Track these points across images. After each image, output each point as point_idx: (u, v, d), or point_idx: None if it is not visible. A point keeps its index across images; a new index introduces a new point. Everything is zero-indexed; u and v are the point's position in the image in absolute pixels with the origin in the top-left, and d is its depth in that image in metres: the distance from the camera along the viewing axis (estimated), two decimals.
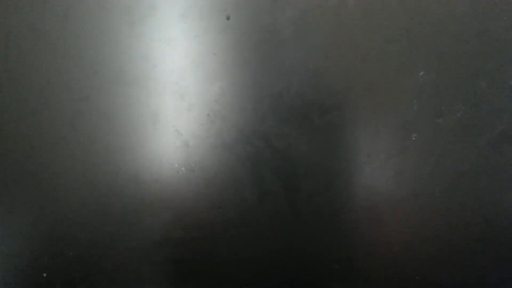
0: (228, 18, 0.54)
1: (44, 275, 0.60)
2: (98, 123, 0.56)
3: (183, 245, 0.59)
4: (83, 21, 0.55)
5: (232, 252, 0.59)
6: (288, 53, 0.55)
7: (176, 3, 0.55)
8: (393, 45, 0.54)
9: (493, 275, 0.59)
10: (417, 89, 0.55)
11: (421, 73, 0.55)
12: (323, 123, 0.56)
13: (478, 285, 0.60)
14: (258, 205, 0.58)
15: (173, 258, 0.59)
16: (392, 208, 0.58)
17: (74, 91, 0.56)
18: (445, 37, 0.54)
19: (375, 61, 0.55)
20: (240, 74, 0.55)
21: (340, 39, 0.55)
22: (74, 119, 0.56)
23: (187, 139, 0.57)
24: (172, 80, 0.56)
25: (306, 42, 0.55)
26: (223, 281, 0.60)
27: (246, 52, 0.55)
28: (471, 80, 0.55)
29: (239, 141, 0.57)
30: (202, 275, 0.60)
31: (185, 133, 0.56)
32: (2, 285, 0.60)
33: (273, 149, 0.57)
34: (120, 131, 0.56)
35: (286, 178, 0.57)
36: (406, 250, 0.59)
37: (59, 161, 0.57)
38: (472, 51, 0.54)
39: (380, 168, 0.57)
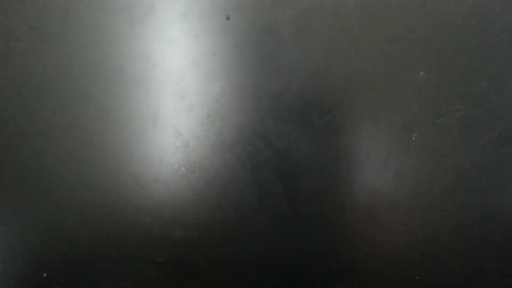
0: (228, 18, 0.54)
1: (44, 275, 0.60)
2: (98, 123, 0.56)
3: (183, 245, 0.59)
4: (83, 21, 0.55)
5: (232, 252, 0.59)
6: (288, 53, 0.55)
7: (176, 3, 0.55)
8: (393, 45, 0.54)
9: (493, 275, 0.59)
10: (417, 89, 0.55)
11: (421, 73, 0.55)
12: (323, 123, 0.56)
13: (478, 285, 0.60)
14: (258, 205, 0.58)
15: (173, 258, 0.59)
16: (392, 208, 0.58)
17: (74, 91, 0.56)
18: (445, 37, 0.54)
19: (375, 61, 0.55)
20: (240, 74, 0.55)
21: (340, 39, 0.55)
22: (74, 119, 0.56)
23: (187, 139, 0.57)
24: (172, 80, 0.56)
25: (306, 42, 0.55)
26: (223, 281, 0.60)
27: (246, 52, 0.55)
28: (471, 80, 0.55)
29: (239, 141, 0.57)
30: (202, 275, 0.60)
31: (185, 133, 0.56)
32: (2, 285, 0.60)
33: (273, 149, 0.57)
34: (120, 131, 0.56)
35: (286, 178, 0.57)
36: (406, 250, 0.59)
37: (59, 161, 0.57)
38: (472, 51, 0.54)
39: (380, 168, 0.57)
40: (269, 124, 0.56)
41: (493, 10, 0.54)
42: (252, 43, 0.55)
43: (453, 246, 0.59)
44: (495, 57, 0.54)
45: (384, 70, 0.55)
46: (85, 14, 0.55)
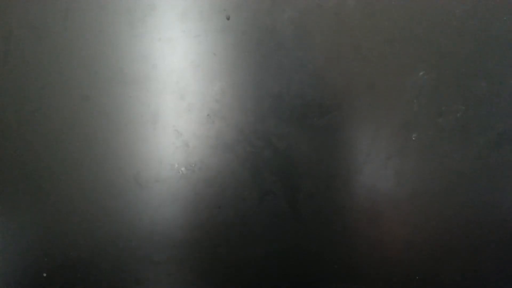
0: (228, 18, 0.54)
1: (44, 275, 0.60)
2: (98, 123, 0.56)
3: (183, 245, 0.59)
4: (83, 21, 0.55)
5: (232, 252, 0.59)
6: (288, 53, 0.55)
7: (176, 3, 0.55)
8: (393, 45, 0.54)
9: (493, 275, 0.59)
10: (417, 89, 0.55)
11: (421, 73, 0.55)
12: (323, 123, 0.56)
13: (478, 285, 0.60)
14: (258, 205, 0.58)
15: (173, 258, 0.59)
16: (392, 208, 0.58)
17: (74, 91, 0.56)
18: (445, 37, 0.54)
19: (375, 61, 0.55)
20: (240, 74, 0.55)
21: (340, 39, 0.55)
22: (74, 119, 0.56)
23: (187, 139, 0.57)
24: (172, 80, 0.56)
25: (306, 42, 0.55)
26: (223, 281, 0.60)
27: (246, 52, 0.55)
28: (471, 80, 0.55)
29: (239, 141, 0.57)
30: (202, 275, 0.60)
31: (185, 133, 0.56)
32: (2, 285, 0.60)
33: (273, 149, 0.57)
34: (120, 131, 0.56)
35: (286, 178, 0.57)
36: (406, 250, 0.59)
37: (59, 161, 0.57)
38: (472, 51, 0.54)
39: (380, 168, 0.57)
40: (269, 124, 0.56)
41: (493, 10, 0.54)
42: (252, 43, 0.55)
43: (453, 246, 0.58)
44: (495, 57, 0.54)
45: (384, 70, 0.55)
46: (85, 14, 0.55)
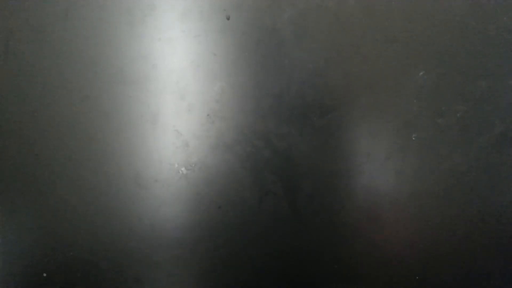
0: (228, 18, 0.54)
1: (44, 275, 0.60)
2: (98, 123, 0.56)
3: (183, 245, 0.59)
4: (83, 21, 0.55)
5: (232, 252, 0.59)
6: (288, 53, 0.55)
7: (176, 3, 0.55)
8: (393, 45, 0.54)
9: (493, 275, 0.59)
10: (417, 89, 0.55)
11: (421, 73, 0.55)
12: (323, 123, 0.56)
13: (478, 285, 0.60)
14: (258, 205, 0.58)
15: (173, 258, 0.59)
16: (392, 208, 0.58)
17: (74, 91, 0.56)
18: (445, 37, 0.54)
19: (375, 61, 0.55)
20: (240, 74, 0.55)
21: (340, 39, 0.55)
22: (74, 119, 0.56)
23: (187, 139, 0.57)
24: (172, 80, 0.56)
25: (306, 42, 0.55)
26: (223, 281, 0.60)
27: (246, 52, 0.55)
28: (471, 80, 0.55)
29: (239, 141, 0.57)
30: (202, 275, 0.60)
31: (185, 133, 0.56)
32: (2, 285, 0.60)
33: (273, 149, 0.57)
34: (120, 131, 0.56)
35: (286, 178, 0.57)
36: (406, 250, 0.59)
37: (59, 161, 0.57)
38: (472, 51, 0.54)
39: (380, 168, 0.57)
40: (269, 124, 0.56)
41: (493, 10, 0.54)
42: (252, 43, 0.55)
43: (453, 246, 0.58)
44: (495, 57, 0.54)
45: (384, 70, 0.55)
46: (85, 14, 0.55)
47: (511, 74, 0.54)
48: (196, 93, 0.56)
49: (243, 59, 0.55)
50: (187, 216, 0.58)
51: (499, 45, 0.54)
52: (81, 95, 0.56)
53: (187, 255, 0.59)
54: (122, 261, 0.59)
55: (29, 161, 0.57)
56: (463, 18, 0.54)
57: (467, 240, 0.58)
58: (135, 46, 0.55)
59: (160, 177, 0.57)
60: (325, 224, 0.58)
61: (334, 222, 0.58)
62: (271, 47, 0.55)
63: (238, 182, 0.57)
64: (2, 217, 0.59)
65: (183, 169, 0.57)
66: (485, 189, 0.57)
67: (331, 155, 0.57)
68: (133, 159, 0.57)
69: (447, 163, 0.56)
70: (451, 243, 0.58)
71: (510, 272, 0.59)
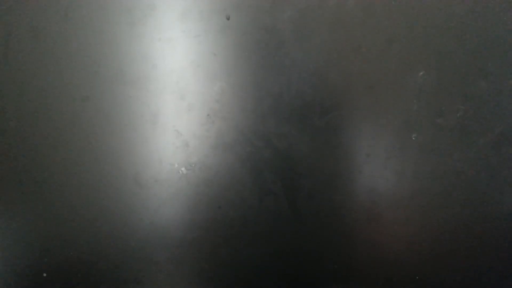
0: (228, 18, 0.54)
1: (44, 275, 0.60)
2: (98, 123, 0.56)
3: (183, 245, 0.59)
4: (83, 21, 0.55)
5: (232, 252, 0.59)
6: (288, 53, 0.55)
7: (176, 3, 0.55)
8: (393, 45, 0.54)
9: (493, 275, 0.59)
10: (417, 89, 0.55)
11: (421, 73, 0.55)
12: (323, 123, 0.56)
13: (478, 285, 0.60)
14: (258, 205, 0.58)
15: (173, 258, 0.59)
16: (392, 208, 0.58)
17: (74, 91, 0.56)
18: (445, 37, 0.54)
19: (375, 61, 0.55)
20: (240, 74, 0.55)
21: (340, 39, 0.55)
22: (74, 119, 0.56)
23: (187, 139, 0.57)
24: (172, 80, 0.56)
25: (306, 42, 0.55)
26: (223, 281, 0.60)
27: (246, 52, 0.55)
28: (471, 80, 0.55)
29: (239, 141, 0.57)
30: (202, 275, 0.60)
31: (185, 133, 0.56)
32: (2, 285, 0.60)
33: (273, 149, 0.57)
34: (120, 131, 0.56)
35: (286, 178, 0.57)
36: (406, 250, 0.59)
37: (59, 161, 0.57)
38: (472, 51, 0.54)
39: (380, 168, 0.57)
40: (269, 124, 0.56)
41: (493, 10, 0.54)
42: (252, 43, 0.55)
43: (453, 246, 0.58)
44: (495, 57, 0.54)
45: (384, 70, 0.55)
46: (85, 14, 0.55)
47: (511, 74, 0.54)
48: (196, 93, 0.56)
49: (243, 59, 0.55)
50: (187, 216, 0.58)
51: (499, 45, 0.54)
52: (81, 95, 0.56)
53: (187, 255, 0.59)
54: (122, 261, 0.59)
55: (29, 161, 0.57)
56: (463, 18, 0.54)
57: (467, 240, 0.58)
58: (135, 46, 0.55)
59: (160, 177, 0.57)
60: (325, 224, 0.58)
61: (334, 222, 0.58)
62: (271, 47, 0.55)
63: (238, 182, 0.57)
64: (2, 217, 0.59)
65: (183, 169, 0.57)
66: (485, 189, 0.57)
67: (331, 155, 0.57)
68: (133, 159, 0.57)
69: (447, 163, 0.56)
70: (451, 243, 0.58)
71: (510, 272, 0.59)
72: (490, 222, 0.58)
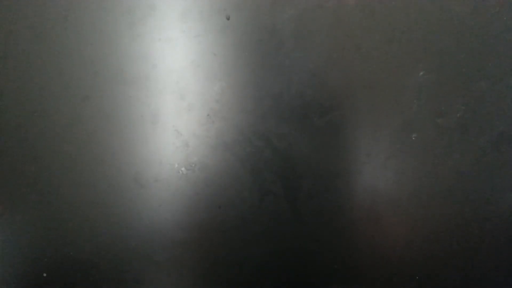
0: (228, 18, 0.54)
1: (44, 275, 0.60)
2: (98, 123, 0.56)
3: (183, 245, 0.59)
4: (83, 21, 0.55)
5: (232, 252, 0.59)
6: (288, 53, 0.55)
7: (176, 3, 0.55)
8: (393, 45, 0.54)
9: (493, 275, 0.59)
10: (417, 89, 0.55)
11: (421, 73, 0.55)
12: (323, 123, 0.56)
13: (478, 285, 0.60)
14: (258, 205, 0.58)
15: (173, 258, 0.59)
16: (392, 208, 0.58)
17: (74, 91, 0.56)
18: (445, 37, 0.54)
19: (375, 61, 0.55)
20: (240, 74, 0.55)
21: (340, 39, 0.55)
22: (74, 119, 0.56)
23: (187, 139, 0.57)
24: (172, 80, 0.56)
25: (306, 42, 0.55)
26: (223, 281, 0.60)
27: (246, 52, 0.55)
28: (471, 80, 0.55)
29: (239, 141, 0.57)
30: (202, 275, 0.60)
31: (185, 133, 0.56)
32: (2, 285, 0.60)
33: (273, 149, 0.57)
34: (120, 131, 0.56)
35: (286, 178, 0.57)
36: (406, 250, 0.59)
37: (59, 161, 0.57)
38: (472, 51, 0.54)
39: (380, 168, 0.57)
40: (269, 124, 0.56)
41: (493, 10, 0.54)
42: (252, 43, 0.55)
43: (453, 246, 0.58)
44: (495, 57, 0.54)
45: (384, 70, 0.55)
46: (85, 14, 0.55)
47: (511, 74, 0.54)
48: (196, 93, 0.56)
49: (243, 59, 0.55)
50: (187, 216, 0.58)
51: (499, 45, 0.54)
52: (81, 95, 0.56)
53: (187, 255, 0.59)
54: (122, 261, 0.59)
55: (29, 161, 0.57)
56: (463, 18, 0.54)
57: (467, 240, 0.58)
58: (135, 46, 0.55)
59: (160, 177, 0.57)
60: (325, 224, 0.58)
61: (334, 222, 0.58)
62: (271, 47, 0.55)
63: (238, 182, 0.57)
64: (2, 217, 0.59)
65: (183, 169, 0.57)
66: (485, 189, 0.57)
67: (331, 155, 0.57)
68: (133, 159, 0.57)
69: (447, 163, 0.56)
70: (451, 243, 0.58)
71: (510, 272, 0.59)
72: (490, 222, 0.58)
